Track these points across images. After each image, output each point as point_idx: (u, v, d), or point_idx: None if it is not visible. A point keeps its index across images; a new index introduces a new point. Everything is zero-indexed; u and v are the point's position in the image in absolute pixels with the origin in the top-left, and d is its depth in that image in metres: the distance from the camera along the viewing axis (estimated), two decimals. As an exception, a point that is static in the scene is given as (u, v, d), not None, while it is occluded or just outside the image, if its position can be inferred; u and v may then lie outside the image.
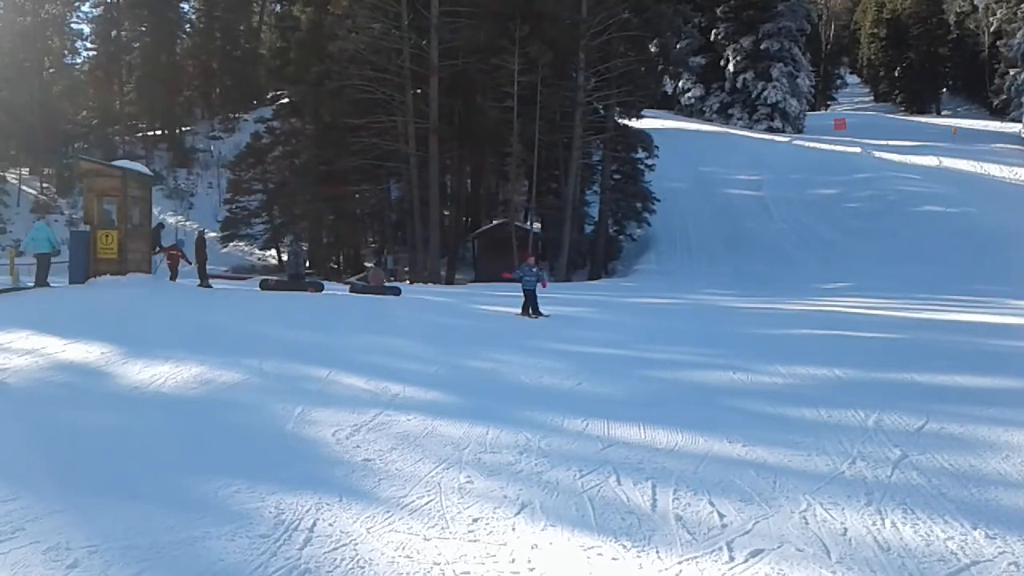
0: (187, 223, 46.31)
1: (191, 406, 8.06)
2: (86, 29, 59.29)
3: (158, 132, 58.17)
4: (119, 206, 19.02)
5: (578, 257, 38.61)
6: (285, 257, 40.72)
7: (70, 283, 18.17)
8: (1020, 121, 53.74)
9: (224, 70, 63.20)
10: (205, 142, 58.16)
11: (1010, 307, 18.64)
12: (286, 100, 46.98)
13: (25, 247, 19.90)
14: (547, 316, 15.57)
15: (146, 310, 14.60)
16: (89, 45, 59.16)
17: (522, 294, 15.89)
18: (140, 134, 57.21)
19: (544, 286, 16.06)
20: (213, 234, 39.03)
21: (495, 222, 40.63)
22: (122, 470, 6.05)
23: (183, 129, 58.96)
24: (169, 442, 6.85)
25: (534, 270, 16.12)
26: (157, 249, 21.15)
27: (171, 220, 46.93)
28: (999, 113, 63.95)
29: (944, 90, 80.00)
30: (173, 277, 20.68)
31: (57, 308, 14.56)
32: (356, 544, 4.75)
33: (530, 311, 15.57)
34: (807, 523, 5.10)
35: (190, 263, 21.42)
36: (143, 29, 57.08)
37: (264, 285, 21.19)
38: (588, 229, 40.92)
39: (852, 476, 6.03)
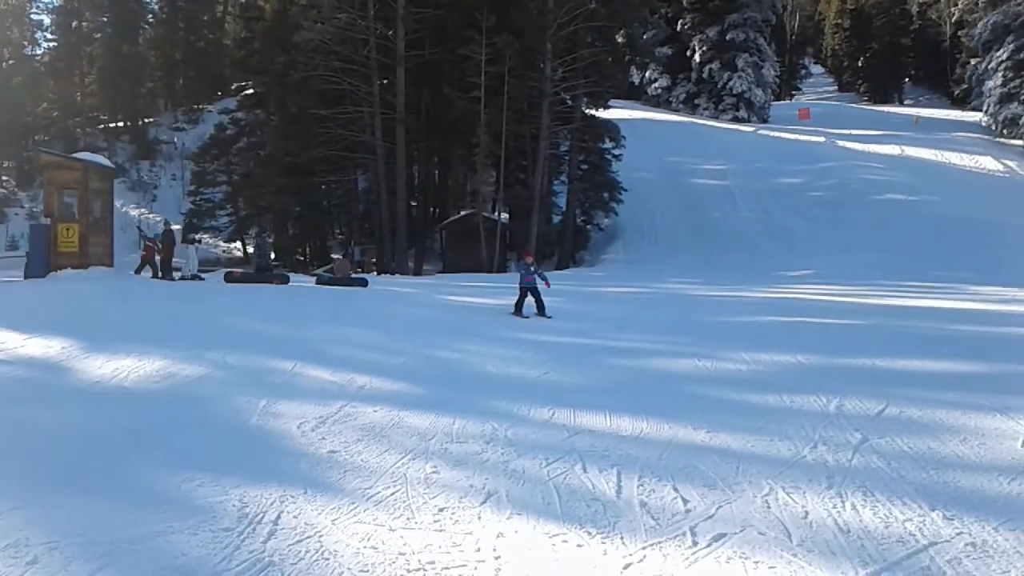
0: (150, 215, 45.71)
1: (154, 400, 7.97)
2: (46, 20, 58.40)
3: (120, 124, 57.22)
4: (80, 199, 18.79)
5: (546, 247, 38.61)
6: (251, 249, 40.40)
7: (30, 277, 17.93)
8: (981, 110, 54.50)
9: (187, 61, 62.32)
10: (168, 134, 57.36)
11: (970, 293, 18.96)
12: (251, 91, 46.51)
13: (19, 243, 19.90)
14: (526, 317, 14.22)
15: (108, 304, 14.43)
16: (49, 36, 58.10)
17: (518, 291, 14.67)
18: (102, 126, 56.26)
19: (548, 285, 14.88)
20: (177, 227, 38.53)
21: (463, 213, 40.53)
22: (83, 465, 5.98)
23: (146, 121, 58.06)
24: (131, 437, 6.77)
25: (532, 268, 14.82)
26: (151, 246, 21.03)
27: (134, 213, 46.36)
28: (960, 102, 64.84)
29: (906, 80, 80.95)
30: (139, 271, 20.44)
31: (16, 302, 14.34)
32: (321, 536, 4.74)
33: (521, 310, 14.34)
34: (769, 507, 5.16)
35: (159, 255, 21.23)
36: (104, 19, 56.02)
37: (229, 277, 20.98)
38: (556, 219, 40.93)
39: (814, 460, 6.11)
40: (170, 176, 52.98)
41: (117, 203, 26.65)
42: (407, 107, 35.45)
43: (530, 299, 14.56)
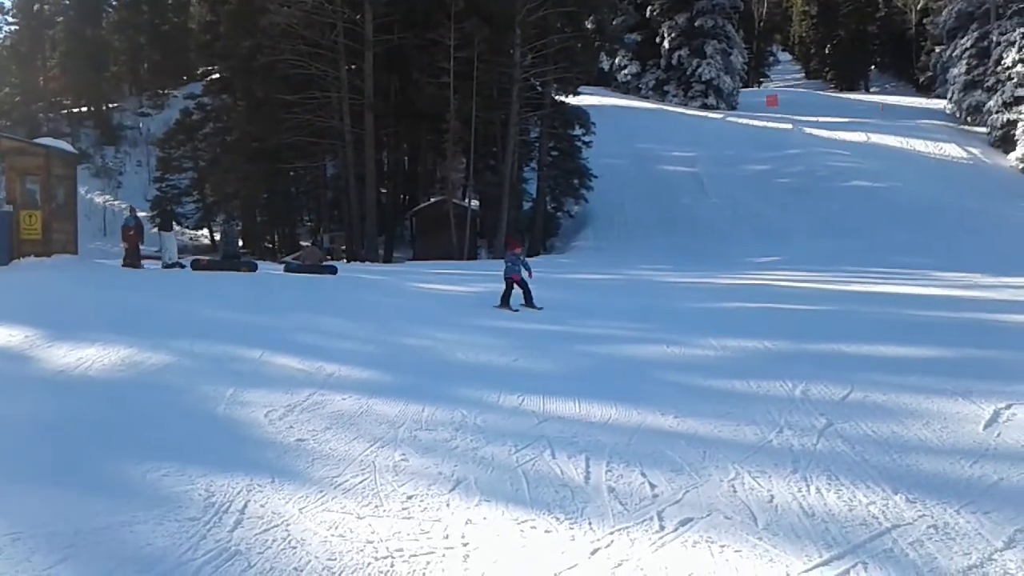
0: (115, 202, 45.07)
1: (118, 389, 7.87)
2: (7, 3, 57.00)
3: (84, 109, 56.22)
4: (43, 185, 18.43)
5: (516, 234, 38.56)
6: (218, 236, 40.01)
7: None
8: (945, 98, 55.11)
9: (152, 45, 61.24)
10: (133, 119, 56.50)
11: (934, 279, 19.25)
12: (217, 76, 45.91)
13: None
14: (515, 311, 13.35)
15: (72, 292, 14.20)
16: (10, 19, 56.71)
17: (503, 282, 13.77)
18: (65, 111, 55.22)
19: (530, 276, 13.85)
20: (143, 213, 38.02)
21: (433, 200, 40.40)
22: (46, 455, 5.90)
23: (110, 106, 57.07)
24: (95, 426, 6.69)
25: (521, 259, 13.95)
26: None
27: (99, 200, 45.69)
28: (925, 90, 65.56)
29: (873, 67, 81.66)
30: (130, 261, 20.08)
31: (-23, 291, 14.07)
32: (288, 525, 4.71)
33: (509, 303, 13.50)
34: (735, 491, 5.21)
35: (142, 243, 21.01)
36: (67, 3, 54.96)
37: (196, 265, 20.77)
38: (526, 206, 40.93)
39: (779, 445, 6.18)
40: (135, 162, 52.22)
41: (81, 189, 26.28)
42: (376, 92, 35.21)
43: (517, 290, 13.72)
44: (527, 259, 14.31)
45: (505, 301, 13.60)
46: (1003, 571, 4.08)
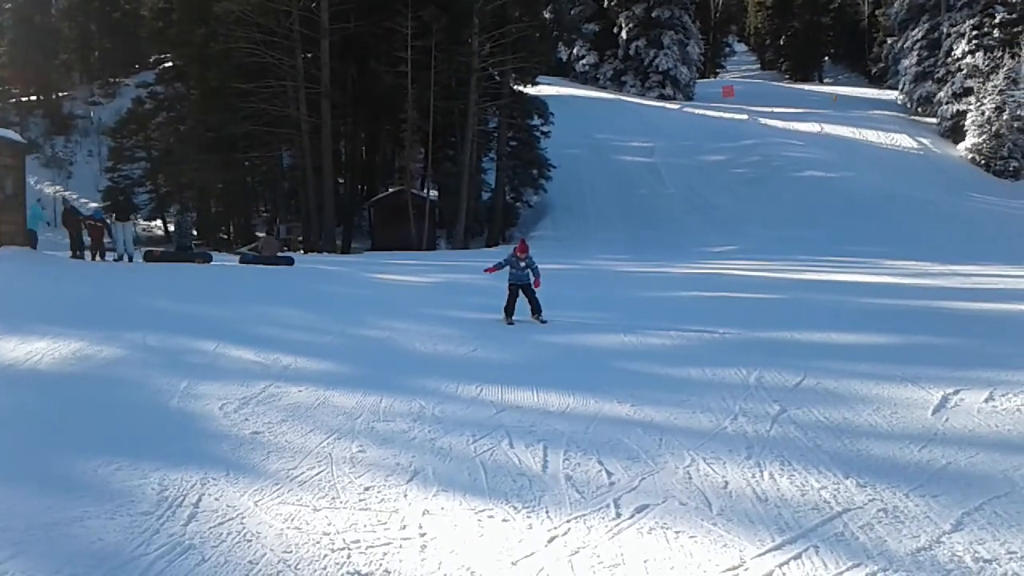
0: (66, 193, 44.18)
1: (69, 383, 7.74)
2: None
3: (33, 98, 55.05)
4: (-11, 176, 18.04)
5: (476, 224, 38.64)
6: (172, 227, 39.39)
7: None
8: (897, 88, 56.00)
9: (103, 32, 60.14)
10: (84, 108, 55.43)
11: (885, 267, 19.59)
12: (170, 64, 45.19)
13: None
14: (545, 322, 11.62)
15: (21, 284, 13.90)
16: (-44, 7, 55.36)
17: (507, 290, 11.94)
18: (13, 100, 54.02)
19: (537, 285, 12.01)
20: (94, 204, 37.33)
21: (391, 190, 40.19)
22: (-6, 452, 5.79)
23: (60, 95, 55.98)
24: (46, 421, 6.58)
25: (522, 264, 11.96)
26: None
27: (49, 190, 44.78)
28: (877, 81, 66.53)
29: (826, 58, 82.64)
30: (97, 253, 19.66)
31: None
32: (243, 518, 4.67)
33: (512, 314, 11.75)
34: (690, 478, 5.26)
35: (111, 236, 20.58)
36: (15, -12, 53.79)
37: (149, 256, 20.42)
38: (485, 196, 40.91)
39: (734, 431, 6.25)
40: (86, 152, 51.26)
41: (31, 180, 25.74)
42: (332, 81, 34.87)
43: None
44: (531, 260, 12.16)
45: (509, 312, 11.82)
46: (951, 553, 4.17)
